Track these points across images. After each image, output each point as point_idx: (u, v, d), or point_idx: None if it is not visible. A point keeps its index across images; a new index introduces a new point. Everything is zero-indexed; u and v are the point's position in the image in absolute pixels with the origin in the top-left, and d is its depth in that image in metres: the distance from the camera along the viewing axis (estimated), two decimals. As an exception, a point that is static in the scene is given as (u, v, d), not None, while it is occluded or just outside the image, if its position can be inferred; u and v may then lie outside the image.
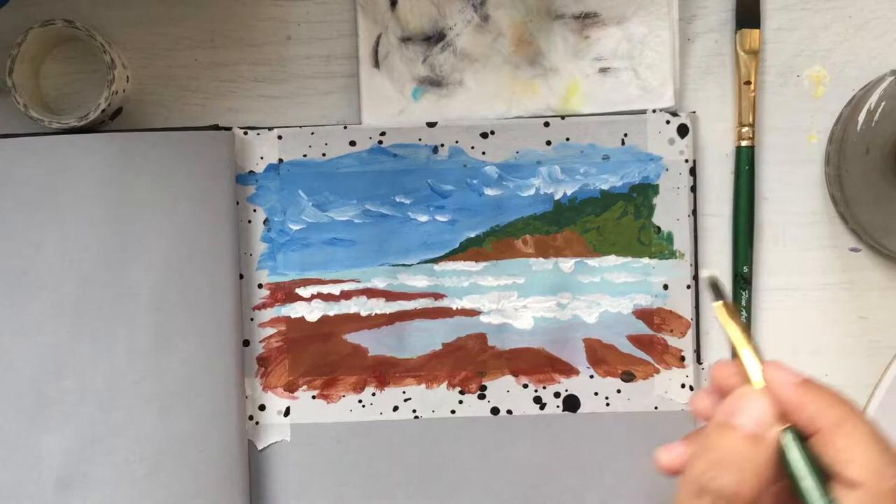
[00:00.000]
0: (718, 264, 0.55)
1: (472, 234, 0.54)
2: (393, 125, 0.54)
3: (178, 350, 0.52)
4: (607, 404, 0.54)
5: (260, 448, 0.54)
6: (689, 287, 0.53)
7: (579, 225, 0.54)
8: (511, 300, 0.54)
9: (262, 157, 0.54)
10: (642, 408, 0.53)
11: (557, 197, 0.54)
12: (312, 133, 0.54)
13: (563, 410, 0.54)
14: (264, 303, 0.54)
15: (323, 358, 0.54)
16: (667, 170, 0.54)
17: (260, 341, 0.54)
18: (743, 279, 0.54)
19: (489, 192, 0.54)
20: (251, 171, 0.54)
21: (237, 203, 0.53)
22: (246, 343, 0.54)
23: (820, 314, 0.55)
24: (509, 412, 0.54)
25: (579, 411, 0.54)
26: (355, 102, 0.55)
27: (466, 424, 0.54)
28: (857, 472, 0.35)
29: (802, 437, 0.36)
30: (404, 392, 0.54)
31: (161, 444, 0.52)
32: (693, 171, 0.54)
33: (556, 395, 0.54)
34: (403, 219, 0.54)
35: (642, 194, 0.54)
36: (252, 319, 0.54)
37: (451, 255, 0.54)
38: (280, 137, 0.54)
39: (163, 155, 0.52)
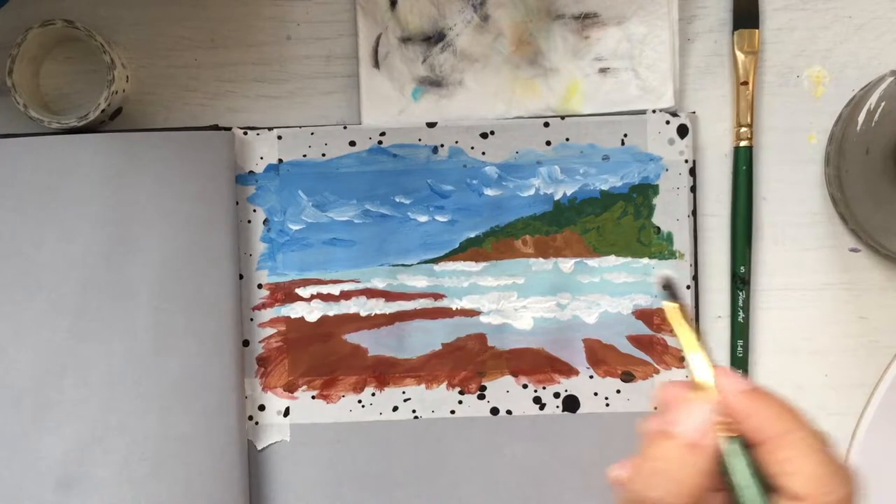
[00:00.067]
0: (718, 264, 0.55)
1: (472, 235, 0.54)
2: (393, 125, 0.54)
3: (177, 350, 0.52)
4: (607, 405, 0.54)
5: (259, 448, 0.54)
6: (688, 287, 0.53)
7: (579, 225, 0.54)
8: (511, 300, 0.54)
9: (261, 158, 0.54)
10: (642, 408, 0.53)
11: (557, 197, 0.54)
12: (312, 133, 0.54)
13: (563, 411, 0.54)
14: (264, 303, 0.54)
15: (322, 358, 0.54)
16: (666, 170, 0.54)
17: (259, 341, 0.54)
18: (741, 279, 0.54)
19: (489, 192, 0.54)
20: (251, 172, 0.54)
21: (237, 203, 0.53)
22: (246, 343, 0.54)
23: (820, 314, 0.55)
24: (509, 412, 0.54)
25: (579, 411, 0.54)
26: (355, 102, 0.55)
27: (466, 424, 0.54)
28: (800, 484, 0.34)
29: (749, 447, 0.35)
30: (404, 392, 0.54)
31: (161, 444, 0.52)
32: (693, 172, 0.54)
33: (556, 395, 0.54)
34: (403, 219, 0.54)
35: (642, 194, 0.54)
36: (252, 319, 0.54)
37: (451, 256, 0.54)
38: (280, 137, 0.54)
39: (163, 155, 0.52)
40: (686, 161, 0.53)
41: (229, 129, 0.54)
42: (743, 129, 0.54)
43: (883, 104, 0.51)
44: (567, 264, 0.54)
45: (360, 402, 0.54)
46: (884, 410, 0.53)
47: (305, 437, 0.54)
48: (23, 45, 0.52)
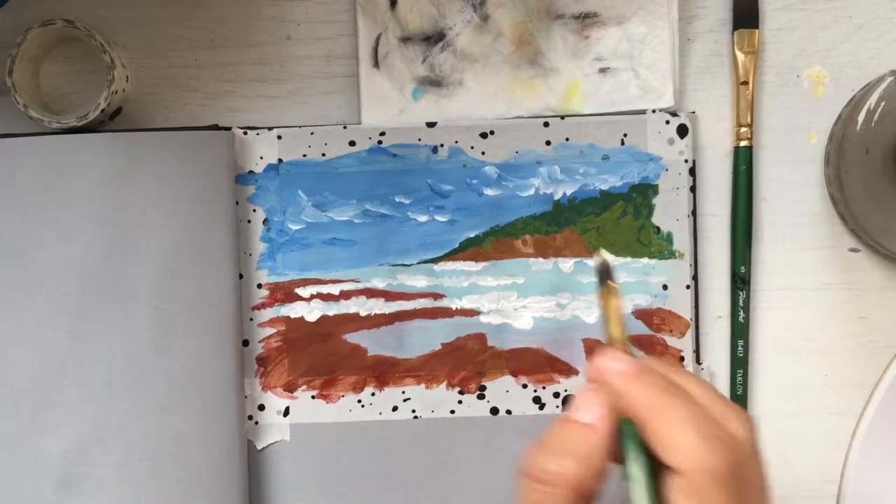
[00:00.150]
0: (718, 264, 0.55)
1: (472, 234, 0.54)
2: (393, 125, 0.54)
3: (177, 350, 0.52)
4: (607, 404, 0.54)
5: (259, 448, 0.54)
6: (688, 287, 0.53)
7: (579, 225, 0.54)
8: (511, 300, 0.54)
9: (261, 157, 0.54)
10: (642, 408, 0.53)
11: (557, 197, 0.54)
12: (312, 133, 0.54)
13: (563, 410, 0.54)
14: (264, 303, 0.54)
15: (322, 358, 0.54)
16: (666, 170, 0.54)
17: (259, 341, 0.54)
18: (741, 279, 0.54)
19: (489, 192, 0.54)
20: (251, 171, 0.54)
21: (237, 203, 0.53)
22: (245, 343, 0.54)
23: (820, 314, 0.55)
24: (509, 412, 0.54)
25: (579, 411, 0.54)
26: (355, 102, 0.55)
27: (466, 424, 0.54)
28: (679, 458, 0.35)
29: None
30: (404, 392, 0.54)
31: (161, 444, 0.52)
32: (693, 172, 0.54)
33: (556, 395, 0.54)
34: (403, 219, 0.54)
35: (642, 194, 0.54)
36: (251, 319, 0.54)
37: (451, 255, 0.54)
38: (280, 137, 0.54)
39: (162, 155, 0.52)
40: (686, 161, 0.53)
41: (229, 129, 0.54)
42: (743, 129, 0.54)
43: (883, 104, 0.51)
44: (567, 264, 0.54)
45: (359, 401, 0.54)
46: (884, 410, 0.53)
47: (305, 436, 0.54)
48: (23, 45, 0.52)
